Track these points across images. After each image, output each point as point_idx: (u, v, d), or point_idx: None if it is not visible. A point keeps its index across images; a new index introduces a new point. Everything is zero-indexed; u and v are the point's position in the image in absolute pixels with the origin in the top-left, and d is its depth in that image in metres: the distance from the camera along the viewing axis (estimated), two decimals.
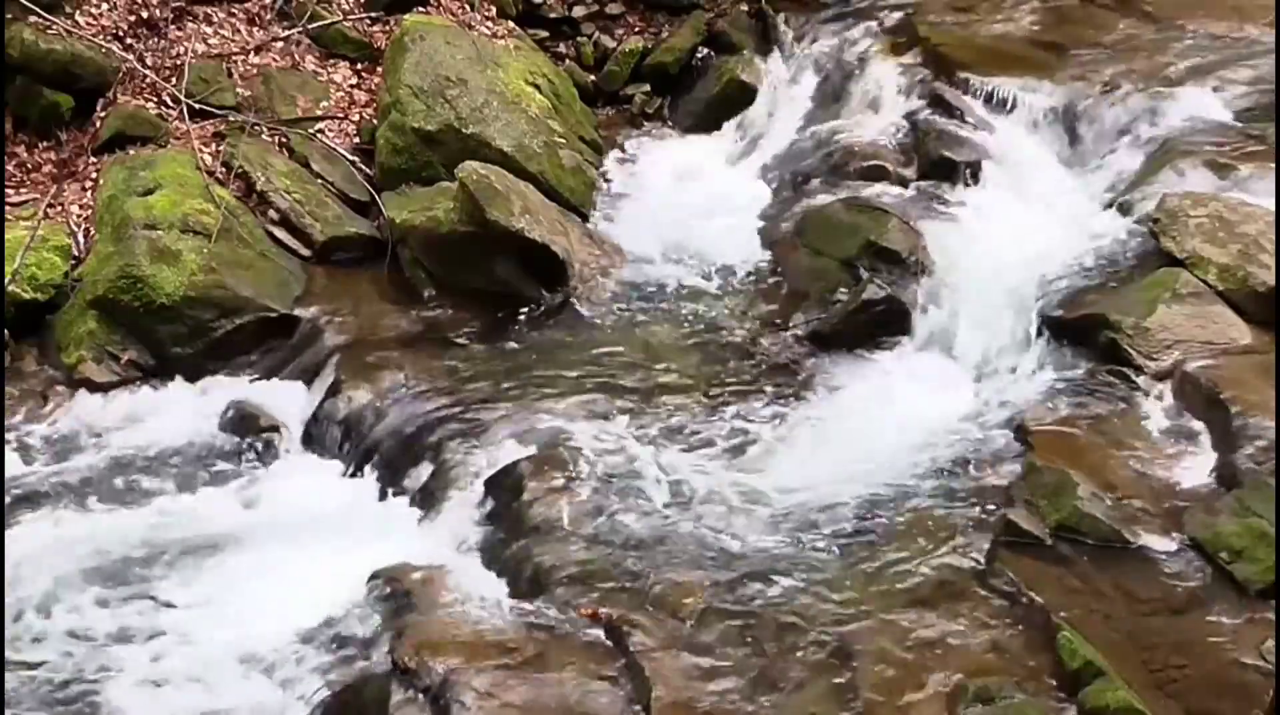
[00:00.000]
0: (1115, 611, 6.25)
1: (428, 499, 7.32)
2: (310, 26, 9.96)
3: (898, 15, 10.34)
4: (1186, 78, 9.32)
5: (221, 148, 9.12)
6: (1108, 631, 6.11)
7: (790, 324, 8.44)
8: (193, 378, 8.17)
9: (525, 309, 8.60)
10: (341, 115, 9.69)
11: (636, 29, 10.93)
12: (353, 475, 7.68)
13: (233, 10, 10.00)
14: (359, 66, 10.03)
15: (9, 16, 8.96)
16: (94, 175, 8.98)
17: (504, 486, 7.15)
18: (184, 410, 7.99)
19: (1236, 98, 9.10)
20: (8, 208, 8.65)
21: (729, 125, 10.31)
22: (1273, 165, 8.39)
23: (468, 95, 9.31)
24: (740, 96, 10.35)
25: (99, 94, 9.28)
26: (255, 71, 9.73)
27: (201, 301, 8.27)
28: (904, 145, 9.31)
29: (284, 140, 9.37)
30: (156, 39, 9.58)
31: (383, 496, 7.51)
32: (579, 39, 10.83)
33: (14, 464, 7.56)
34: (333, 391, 7.99)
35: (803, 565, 6.61)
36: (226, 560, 6.99)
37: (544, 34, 10.68)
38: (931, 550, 6.62)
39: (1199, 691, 5.88)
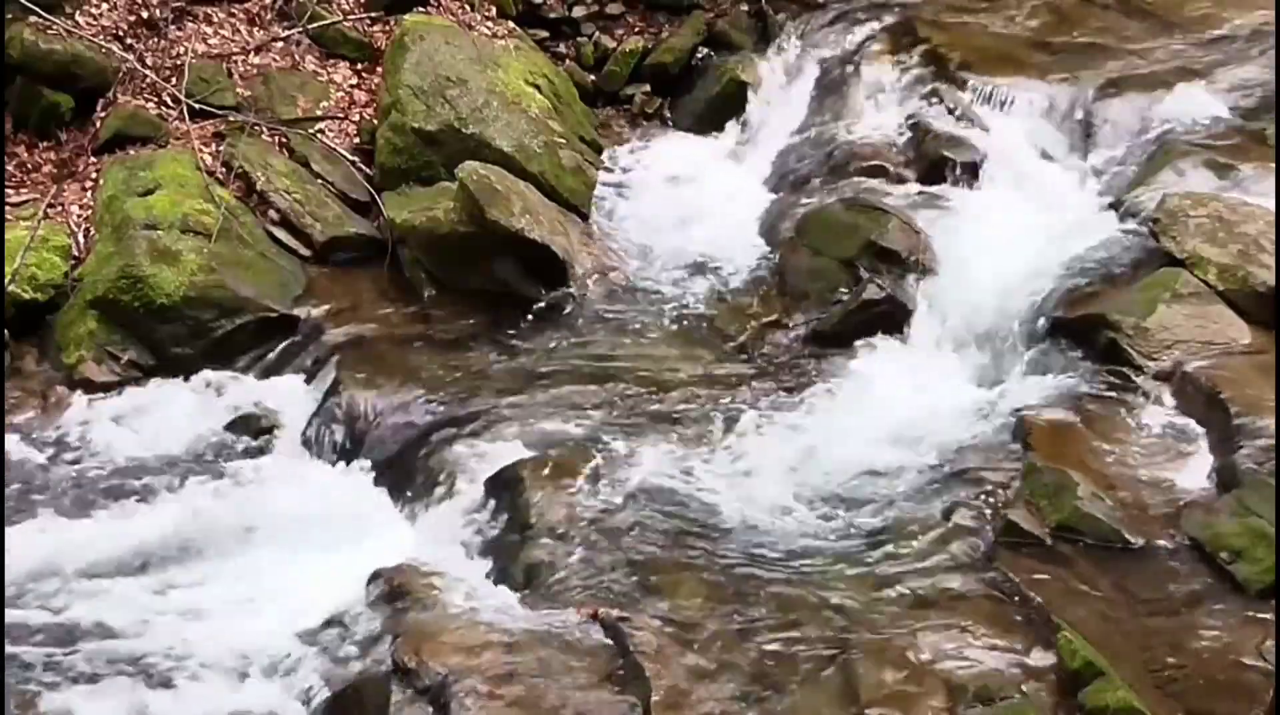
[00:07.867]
0: (1115, 611, 6.25)
1: (428, 498, 7.32)
2: (310, 26, 9.95)
3: (898, 15, 10.35)
4: (1186, 77, 9.33)
5: (221, 148, 9.12)
6: (1108, 631, 6.10)
7: (790, 324, 8.45)
8: (193, 378, 8.17)
9: (525, 309, 8.59)
10: (341, 115, 9.69)
11: (636, 29, 10.93)
12: (352, 475, 7.68)
13: (233, 10, 9.99)
14: (359, 66, 10.02)
15: (9, 16, 8.96)
16: (94, 175, 8.97)
17: (504, 486, 7.14)
18: (184, 410, 7.99)
19: (1236, 97, 9.11)
20: (8, 208, 8.64)
21: (729, 125, 10.31)
22: (1273, 165, 8.40)
23: (468, 95, 9.31)
24: (740, 96, 10.34)
25: (99, 94, 9.27)
26: (255, 71, 9.72)
27: (201, 301, 8.27)
28: (904, 145, 9.31)
29: (284, 140, 9.36)
30: (156, 39, 9.58)
31: (383, 496, 7.51)
32: (579, 39, 10.83)
33: (14, 464, 7.55)
34: (333, 391, 7.99)
35: (803, 565, 6.60)
36: (226, 560, 7.00)
37: (544, 34, 10.68)
38: (931, 550, 6.61)
39: (1199, 691, 5.87)
